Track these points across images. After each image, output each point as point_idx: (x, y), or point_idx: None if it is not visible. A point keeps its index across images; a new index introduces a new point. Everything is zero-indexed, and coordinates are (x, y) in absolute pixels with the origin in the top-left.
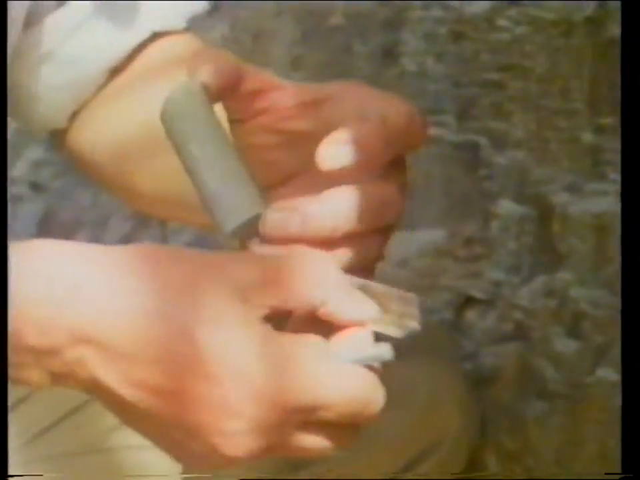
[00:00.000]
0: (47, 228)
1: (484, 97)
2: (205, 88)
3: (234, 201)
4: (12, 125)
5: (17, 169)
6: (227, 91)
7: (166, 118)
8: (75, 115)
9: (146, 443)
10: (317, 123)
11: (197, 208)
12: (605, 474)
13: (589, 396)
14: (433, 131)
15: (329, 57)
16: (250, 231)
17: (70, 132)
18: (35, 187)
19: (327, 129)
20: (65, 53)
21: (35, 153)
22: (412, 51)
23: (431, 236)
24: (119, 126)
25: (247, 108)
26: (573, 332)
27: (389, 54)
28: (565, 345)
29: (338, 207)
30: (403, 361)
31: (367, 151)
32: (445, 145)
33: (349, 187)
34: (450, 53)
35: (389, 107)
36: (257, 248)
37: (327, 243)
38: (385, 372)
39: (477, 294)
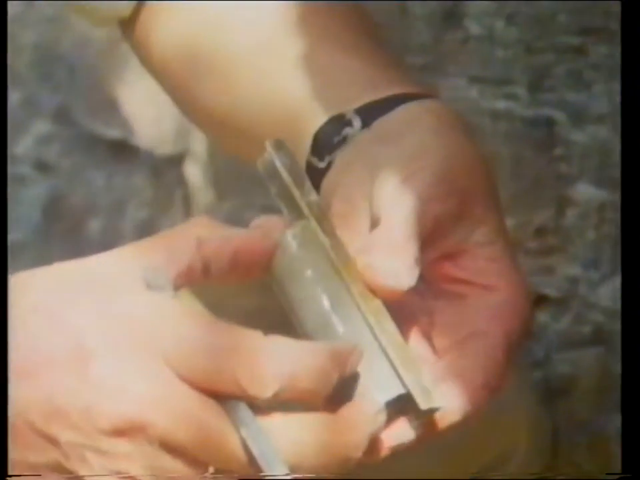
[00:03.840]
0: (53, 214)
1: (561, 65)
2: None
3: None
4: (14, 96)
5: (20, 146)
6: None
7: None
8: (141, 4)
9: None
10: None
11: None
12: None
13: None
14: (501, 105)
15: (379, 20)
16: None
17: (138, 23)
18: (41, 166)
19: None
20: None
21: (41, 126)
22: (478, 12)
23: None
24: (191, 22)
25: None
26: None
27: (451, 15)
28: None
29: None
30: None
31: None
32: (515, 121)
33: None
34: (522, 14)
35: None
36: None
37: None
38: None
39: (550, 292)
